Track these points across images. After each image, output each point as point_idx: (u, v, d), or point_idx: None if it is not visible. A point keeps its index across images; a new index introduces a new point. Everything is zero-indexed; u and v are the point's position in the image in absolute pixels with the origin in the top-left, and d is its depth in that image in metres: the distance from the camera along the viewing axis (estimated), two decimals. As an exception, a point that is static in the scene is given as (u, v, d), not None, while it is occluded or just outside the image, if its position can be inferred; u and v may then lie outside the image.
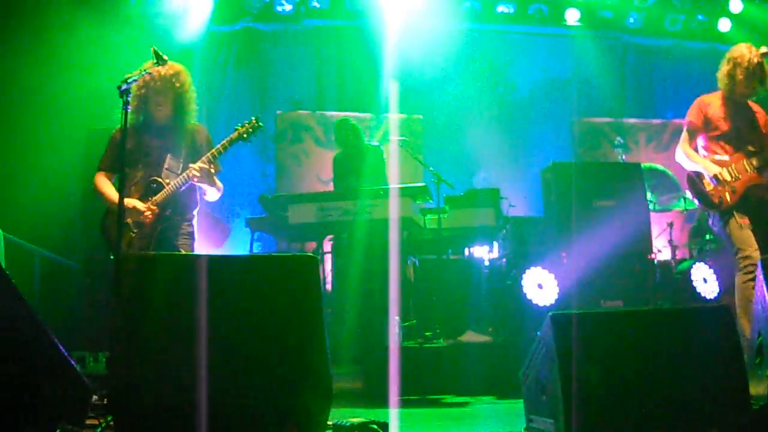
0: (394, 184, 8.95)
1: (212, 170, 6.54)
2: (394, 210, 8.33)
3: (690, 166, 7.38)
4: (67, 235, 9.90)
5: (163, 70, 6.50)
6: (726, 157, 7.25)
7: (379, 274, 8.29)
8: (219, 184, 6.69)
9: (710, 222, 7.59)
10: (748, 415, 4.79)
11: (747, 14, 13.49)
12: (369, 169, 9.37)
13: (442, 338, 8.85)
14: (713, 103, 7.43)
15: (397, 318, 8.74)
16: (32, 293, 9.02)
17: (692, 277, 10.09)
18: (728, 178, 7.11)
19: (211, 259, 4.61)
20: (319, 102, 14.01)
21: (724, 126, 7.33)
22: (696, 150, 7.45)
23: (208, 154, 6.53)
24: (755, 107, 7.51)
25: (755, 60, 7.23)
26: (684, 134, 7.53)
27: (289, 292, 4.58)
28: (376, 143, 10.57)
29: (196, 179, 6.47)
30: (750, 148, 7.27)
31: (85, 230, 9.56)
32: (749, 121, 7.40)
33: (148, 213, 6.37)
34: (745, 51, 7.28)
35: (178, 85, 6.63)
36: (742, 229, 7.10)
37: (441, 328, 9.00)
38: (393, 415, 6.25)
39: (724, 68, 7.39)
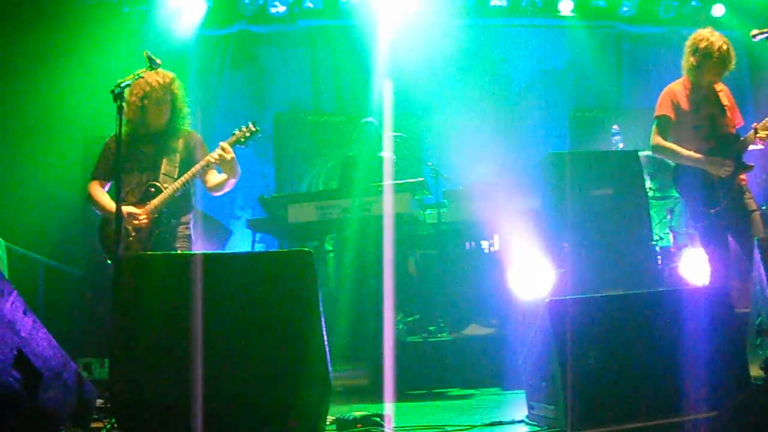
0: (392, 179, 8.93)
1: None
2: (390, 206, 8.33)
3: (676, 159, 7.32)
4: (68, 242, 9.99)
5: (159, 78, 6.60)
6: (704, 148, 7.18)
7: (380, 271, 8.29)
8: (238, 169, 6.74)
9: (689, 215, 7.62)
10: (748, 394, 4.82)
11: (740, -2, 13.50)
12: (379, 176, 9.31)
13: (446, 332, 8.88)
14: (682, 93, 7.32)
15: (400, 314, 8.77)
16: (37, 302, 9.07)
17: (684, 263, 10.15)
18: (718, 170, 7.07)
19: (207, 256, 4.65)
20: (315, 102, 14.01)
21: (698, 117, 7.25)
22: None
23: (225, 142, 6.62)
24: (718, 86, 7.41)
25: (724, 47, 7.11)
26: (655, 128, 7.39)
27: (286, 287, 4.61)
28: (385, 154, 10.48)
29: (222, 160, 6.55)
30: (725, 132, 7.26)
31: (85, 237, 9.64)
32: (719, 106, 7.32)
33: (143, 217, 6.45)
34: (712, 39, 7.13)
35: (173, 93, 6.73)
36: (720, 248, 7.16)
37: (445, 322, 9.02)
38: (398, 409, 6.28)
39: (690, 58, 7.24)
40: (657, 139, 7.31)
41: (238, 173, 6.78)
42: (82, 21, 11.14)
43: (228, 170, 6.68)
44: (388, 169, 9.33)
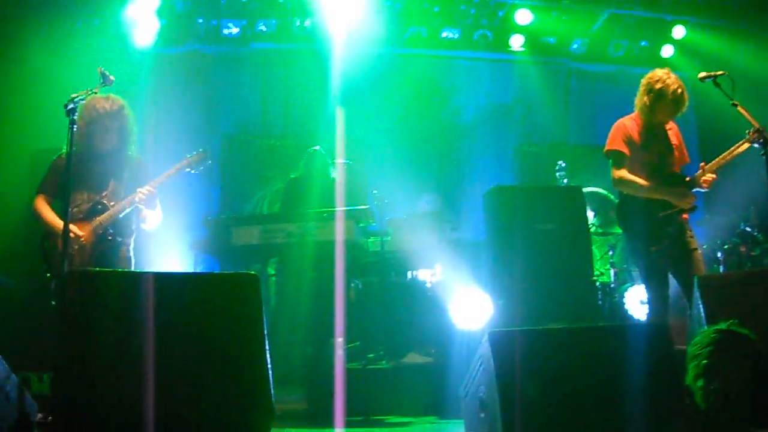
0: (338, 206, 8.95)
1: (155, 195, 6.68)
2: (338, 232, 8.35)
3: (640, 192, 7.22)
4: (9, 254, 9.86)
5: (107, 105, 6.64)
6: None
7: (322, 296, 8.30)
8: (160, 211, 6.81)
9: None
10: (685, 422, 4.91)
11: (689, 40, 13.63)
12: (323, 200, 9.33)
13: (385, 360, 8.90)
14: (634, 129, 7.34)
15: (340, 340, 8.77)
16: (-25, 314, 8.97)
17: (626, 300, 10.32)
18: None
19: (157, 275, 4.65)
20: (264, 125, 14.01)
21: (648, 154, 7.28)
22: None
23: (155, 181, 6.66)
24: (668, 124, 7.46)
25: (679, 90, 7.14)
26: (612, 162, 7.34)
27: (232, 310, 4.64)
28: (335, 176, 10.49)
29: (142, 202, 6.57)
30: (672, 170, 7.33)
31: (26, 250, 9.52)
32: (668, 144, 7.39)
33: (86, 234, 6.45)
34: (668, 81, 7.16)
35: (120, 121, 6.75)
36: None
37: (384, 350, 9.04)
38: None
39: (644, 97, 7.24)
40: (619, 173, 7.24)
41: (161, 215, 6.99)
42: (36, 33, 11.07)
43: (150, 206, 6.77)
44: (338, 195, 9.38)
